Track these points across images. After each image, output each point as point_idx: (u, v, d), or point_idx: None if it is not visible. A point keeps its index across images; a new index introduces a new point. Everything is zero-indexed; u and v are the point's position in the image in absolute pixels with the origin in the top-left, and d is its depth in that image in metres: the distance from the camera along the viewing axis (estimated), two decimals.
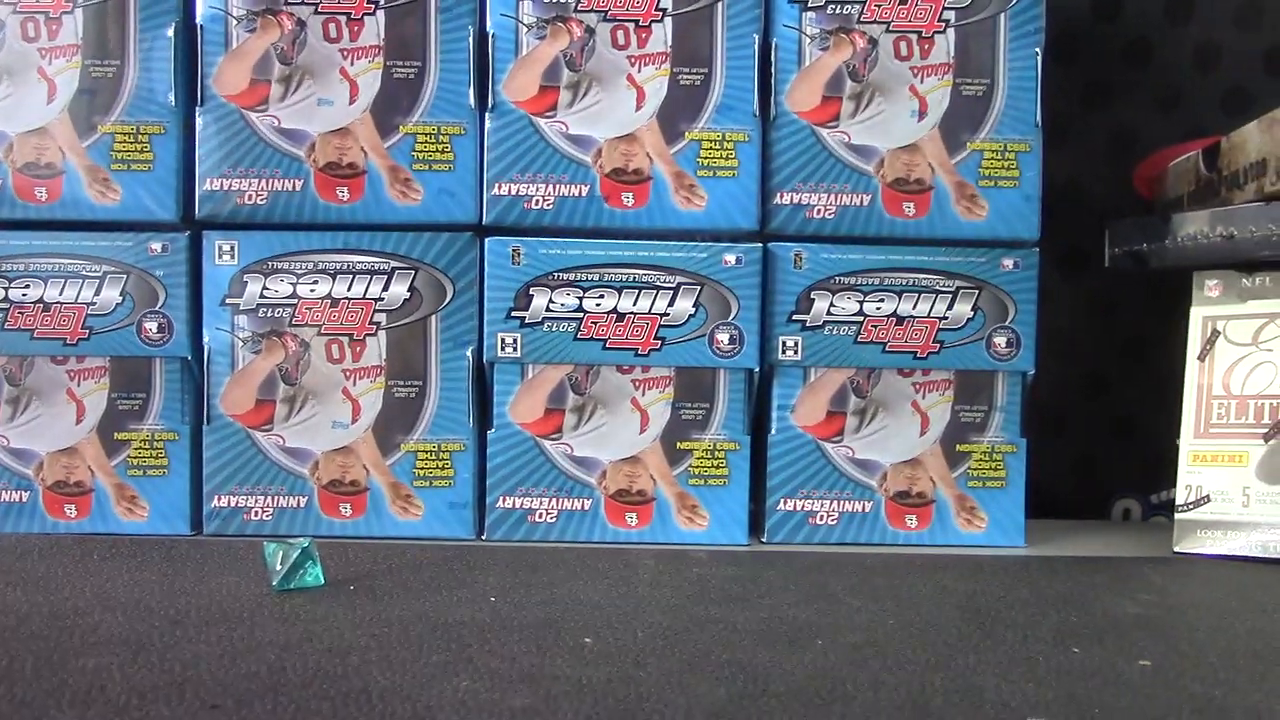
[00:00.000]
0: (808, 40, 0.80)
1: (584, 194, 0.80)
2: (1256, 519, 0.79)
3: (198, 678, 0.48)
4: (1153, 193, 0.95)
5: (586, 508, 0.80)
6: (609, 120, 0.80)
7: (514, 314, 0.79)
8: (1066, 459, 0.99)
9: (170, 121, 0.79)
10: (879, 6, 0.80)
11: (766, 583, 0.68)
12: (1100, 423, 0.99)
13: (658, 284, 0.79)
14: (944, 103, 0.81)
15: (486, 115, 0.80)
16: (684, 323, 0.79)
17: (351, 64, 0.79)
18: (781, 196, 0.81)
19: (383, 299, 0.79)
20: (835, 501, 0.82)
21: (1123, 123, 0.98)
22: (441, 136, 0.80)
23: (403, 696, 0.46)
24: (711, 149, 0.80)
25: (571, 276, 0.79)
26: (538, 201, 0.80)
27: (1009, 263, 0.81)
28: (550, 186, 0.80)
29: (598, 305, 0.79)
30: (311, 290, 0.79)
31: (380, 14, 0.79)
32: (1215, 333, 0.82)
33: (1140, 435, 0.99)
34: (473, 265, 0.80)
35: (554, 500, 0.80)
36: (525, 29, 0.79)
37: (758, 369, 0.80)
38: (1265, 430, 0.80)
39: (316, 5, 0.79)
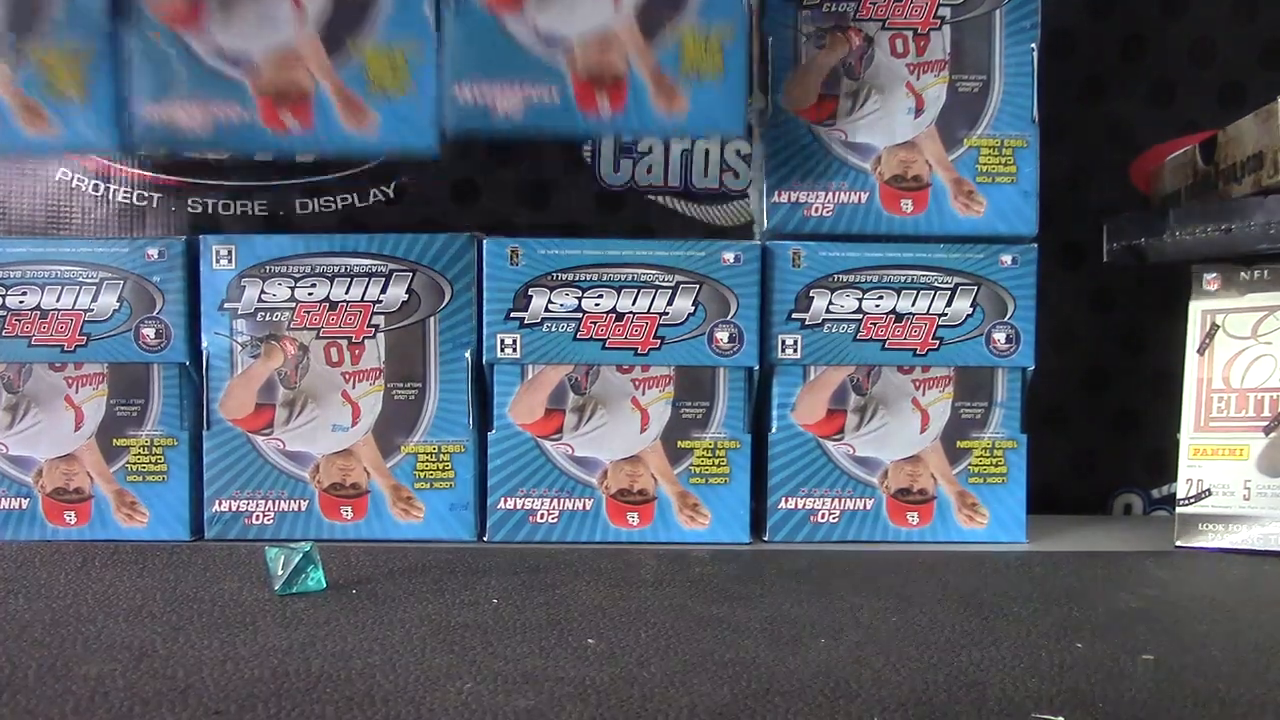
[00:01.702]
0: (803, 38, 0.80)
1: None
2: (1257, 512, 0.79)
3: (200, 683, 0.48)
4: (1150, 187, 0.95)
5: (588, 508, 0.80)
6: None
7: (513, 315, 0.79)
8: (1067, 454, 0.99)
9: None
10: (874, 4, 0.80)
11: (768, 581, 0.68)
12: (1100, 418, 0.99)
13: (656, 283, 0.79)
14: (941, 99, 0.81)
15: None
16: (683, 322, 0.79)
17: None
18: (779, 195, 0.81)
19: (381, 301, 0.79)
20: (836, 499, 0.81)
21: (1119, 117, 0.98)
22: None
23: (406, 699, 0.46)
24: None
25: (570, 276, 0.79)
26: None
27: (1007, 259, 0.81)
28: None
29: (596, 305, 0.79)
30: (310, 294, 0.79)
31: None
32: (1214, 326, 0.82)
33: (1141, 430, 0.99)
34: (471, 266, 0.79)
35: (555, 501, 0.80)
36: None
37: (757, 367, 0.80)
38: (1265, 423, 0.80)
39: None
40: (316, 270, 0.79)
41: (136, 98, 0.74)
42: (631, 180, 0.96)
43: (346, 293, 0.79)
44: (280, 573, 0.64)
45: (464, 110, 0.74)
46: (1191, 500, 0.81)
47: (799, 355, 0.80)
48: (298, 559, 0.64)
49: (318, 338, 0.79)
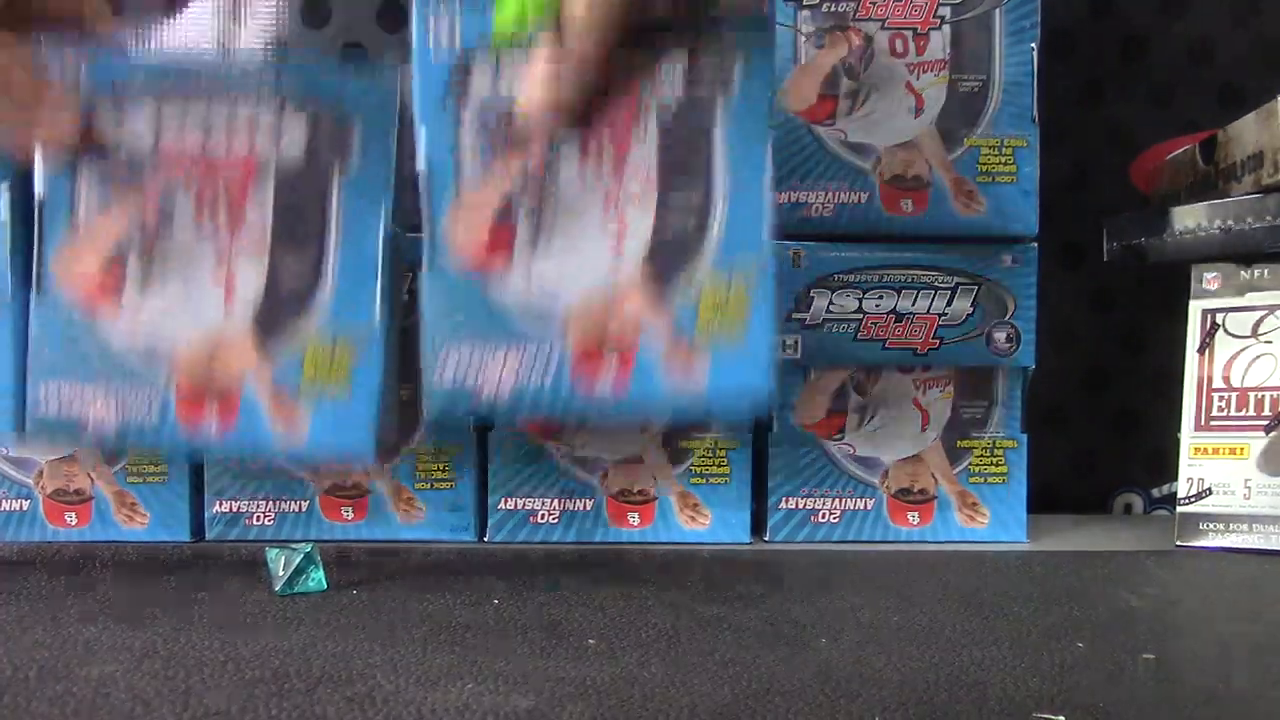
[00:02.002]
0: (803, 38, 0.80)
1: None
2: (1258, 511, 0.79)
3: (202, 684, 0.48)
4: (1150, 187, 0.95)
5: (588, 508, 0.80)
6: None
7: None
8: (1067, 454, 0.99)
9: None
10: (874, 4, 0.80)
11: (769, 581, 0.68)
12: (1101, 417, 0.99)
13: None
14: (940, 99, 0.81)
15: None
16: None
17: None
18: (779, 195, 0.81)
19: None
20: (837, 499, 0.81)
21: (1119, 117, 0.98)
22: None
23: (407, 700, 0.46)
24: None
25: None
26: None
27: (1008, 258, 0.81)
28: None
29: None
30: None
31: None
32: (1214, 325, 0.82)
33: (1141, 429, 0.99)
34: None
35: (555, 501, 0.80)
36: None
37: None
38: (1266, 422, 0.80)
39: None
40: None
41: (36, 379, 0.63)
42: None
43: None
44: (281, 573, 0.64)
45: (440, 391, 0.62)
46: (1192, 499, 0.81)
47: (799, 355, 0.80)
48: (299, 559, 0.64)
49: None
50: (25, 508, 0.79)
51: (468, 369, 0.61)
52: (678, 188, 0.61)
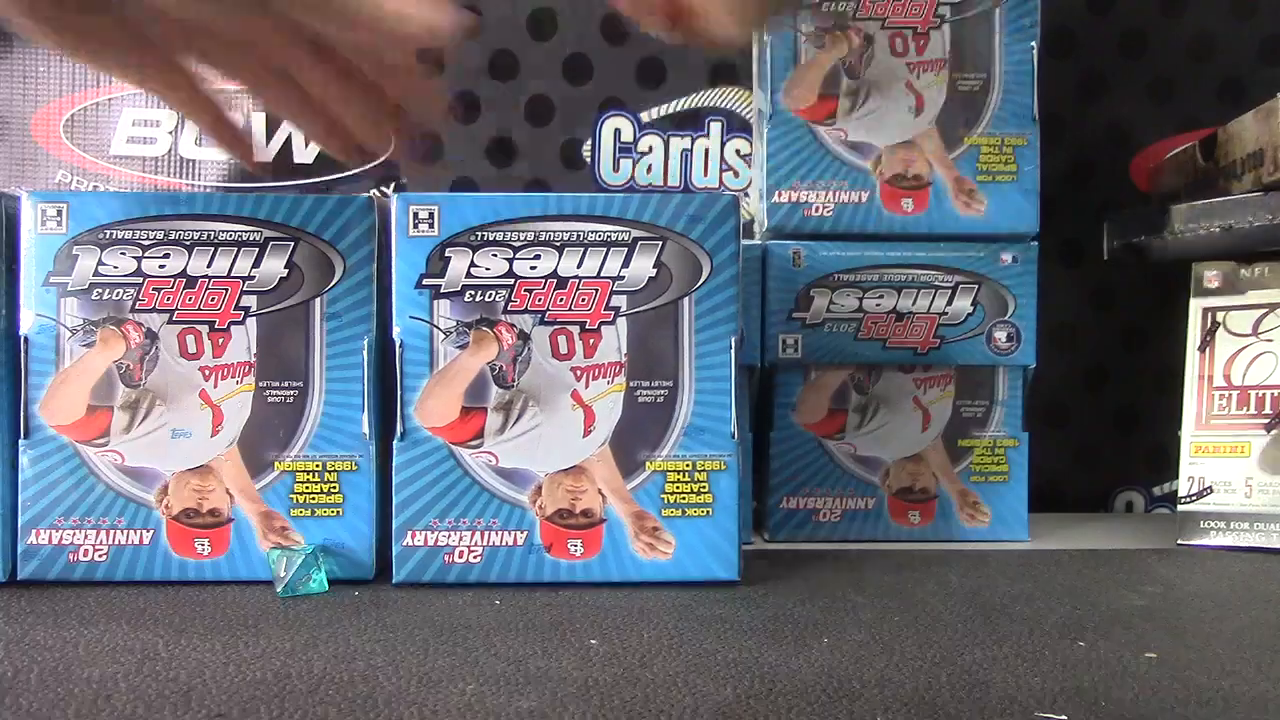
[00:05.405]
0: (803, 38, 0.80)
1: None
2: (1259, 510, 0.79)
3: (203, 685, 0.48)
4: (1150, 185, 0.95)
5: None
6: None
7: None
8: (1068, 452, 0.99)
9: None
10: (874, 3, 0.80)
11: (771, 581, 0.68)
12: (1101, 415, 0.99)
13: None
14: (940, 98, 0.81)
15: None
16: None
17: None
18: (780, 195, 0.81)
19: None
20: (838, 499, 0.81)
21: (1119, 115, 0.98)
22: None
23: (409, 701, 0.46)
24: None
25: None
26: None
27: (1008, 257, 0.81)
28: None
29: None
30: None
31: None
32: (1215, 324, 0.82)
33: (1142, 427, 0.99)
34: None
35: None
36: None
37: (759, 367, 0.80)
38: (1267, 420, 0.80)
39: None
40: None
41: (27, 520, 0.64)
42: (631, 180, 0.96)
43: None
44: (283, 575, 0.64)
45: (411, 558, 0.65)
46: (1193, 498, 0.81)
47: (800, 355, 0.80)
48: (301, 561, 0.64)
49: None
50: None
51: (437, 537, 0.65)
52: (645, 376, 0.65)
